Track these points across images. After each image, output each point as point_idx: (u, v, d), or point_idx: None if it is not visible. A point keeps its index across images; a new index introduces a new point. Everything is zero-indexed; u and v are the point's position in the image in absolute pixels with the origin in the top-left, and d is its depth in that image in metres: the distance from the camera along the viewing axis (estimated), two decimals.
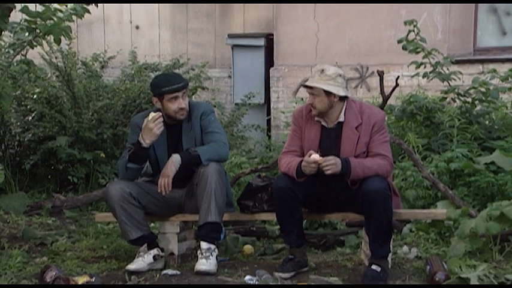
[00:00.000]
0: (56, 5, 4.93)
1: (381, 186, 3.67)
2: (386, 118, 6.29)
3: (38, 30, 4.76)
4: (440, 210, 4.41)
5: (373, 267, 3.68)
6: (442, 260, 3.83)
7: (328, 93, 3.79)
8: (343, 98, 3.85)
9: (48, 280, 3.60)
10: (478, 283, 3.53)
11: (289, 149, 3.97)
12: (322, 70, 3.80)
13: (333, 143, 3.83)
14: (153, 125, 3.88)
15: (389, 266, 3.86)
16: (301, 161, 3.76)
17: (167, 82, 4.03)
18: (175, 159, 3.93)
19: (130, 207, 3.95)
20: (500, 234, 4.14)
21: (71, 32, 4.71)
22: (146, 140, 3.91)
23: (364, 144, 3.83)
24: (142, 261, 3.95)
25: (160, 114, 3.96)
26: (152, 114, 3.91)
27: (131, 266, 3.92)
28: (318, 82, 3.79)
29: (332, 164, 3.67)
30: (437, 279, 3.57)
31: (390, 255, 3.89)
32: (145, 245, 4.00)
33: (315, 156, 3.69)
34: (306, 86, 3.86)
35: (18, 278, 3.78)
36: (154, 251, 4.00)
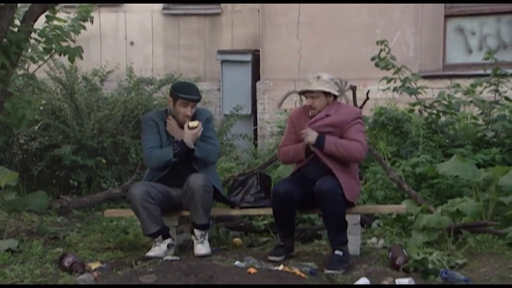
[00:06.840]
0: (56, 22, 5.43)
1: (330, 186, 4.29)
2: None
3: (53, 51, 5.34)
4: (402, 206, 5.01)
5: (336, 252, 4.30)
6: (402, 248, 4.45)
7: (326, 94, 4.48)
8: (334, 98, 4.55)
9: (66, 265, 4.14)
10: (431, 266, 4.19)
11: (284, 144, 4.69)
12: (318, 77, 4.49)
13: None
14: (196, 130, 4.60)
15: (359, 252, 4.52)
16: (301, 144, 4.49)
17: (187, 90, 4.69)
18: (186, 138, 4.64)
19: (150, 206, 4.51)
20: (454, 227, 4.72)
21: (83, 52, 5.29)
22: (191, 142, 4.59)
23: (339, 129, 4.46)
24: (159, 249, 4.51)
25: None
26: (195, 123, 4.61)
27: (151, 253, 4.48)
28: (317, 86, 4.46)
29: (307, 135, 4.40)
30: (397, 262, 4.23)
31: (359, 243, 4.55)
32: (160, 236, 4.56)
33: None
34: (307, 91, 4.49)
35: (41, 263, 4.31)
36: (168, 241, 4.58)
